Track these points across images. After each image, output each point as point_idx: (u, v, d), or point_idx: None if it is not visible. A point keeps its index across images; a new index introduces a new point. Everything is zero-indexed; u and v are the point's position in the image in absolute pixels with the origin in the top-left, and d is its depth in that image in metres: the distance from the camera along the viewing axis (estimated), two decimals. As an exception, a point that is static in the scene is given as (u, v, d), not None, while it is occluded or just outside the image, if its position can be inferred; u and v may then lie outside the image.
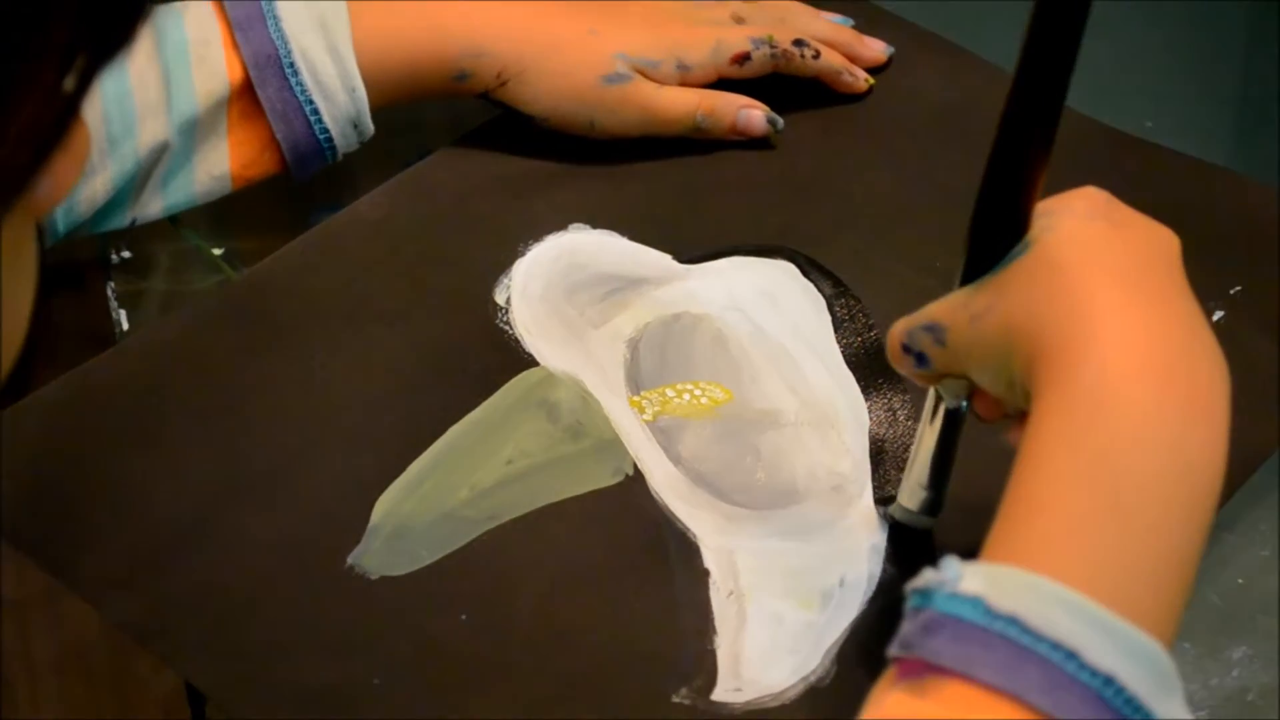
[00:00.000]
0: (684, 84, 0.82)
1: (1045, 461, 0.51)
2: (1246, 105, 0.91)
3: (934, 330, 0.58)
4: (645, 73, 0.81)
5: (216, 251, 0.81)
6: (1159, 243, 0.56)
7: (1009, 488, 0.52)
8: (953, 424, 0.62)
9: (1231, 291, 0.76)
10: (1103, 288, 0.53)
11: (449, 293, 0.76)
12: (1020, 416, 0.57)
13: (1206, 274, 0.76)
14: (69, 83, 0.40)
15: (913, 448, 0.65)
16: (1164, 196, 0.79)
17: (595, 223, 0.79)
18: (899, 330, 0.60)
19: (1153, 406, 0.51)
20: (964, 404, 0.62)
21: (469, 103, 0.82)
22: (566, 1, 0.82)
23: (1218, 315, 0.75)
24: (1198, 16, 0.94)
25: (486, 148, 0.82)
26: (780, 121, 0.83)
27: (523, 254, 0.78)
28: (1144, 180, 0.81)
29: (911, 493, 0.65)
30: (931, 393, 0.62)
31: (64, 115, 0.41)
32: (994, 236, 0.57)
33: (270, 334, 0.75)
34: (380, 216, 0.80)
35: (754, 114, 0.82)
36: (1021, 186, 0.57)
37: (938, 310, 0.58)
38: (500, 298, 0.76)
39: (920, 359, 0.59)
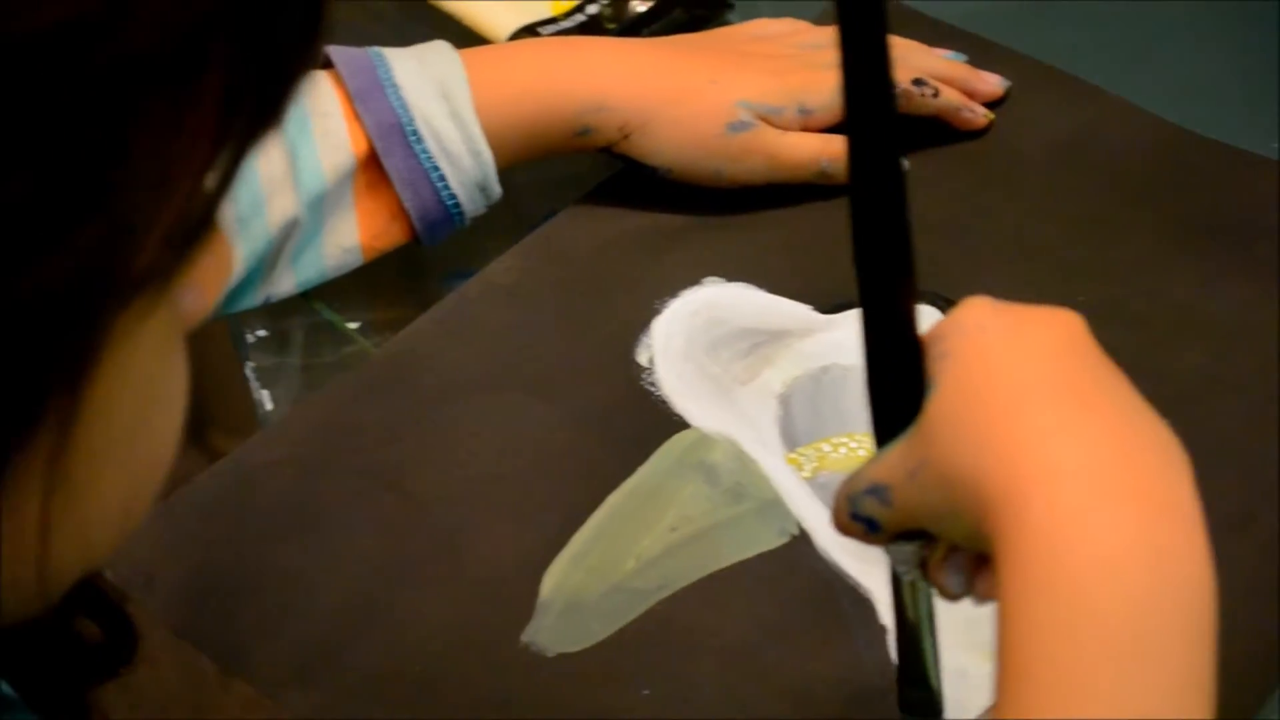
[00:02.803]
0: (806, 129, 0.80)
1: (1022, 617, 0.47)
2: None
3: (878, 492, 0.53)
4: (768, 119, 0.80)
5: (351, 325, 0.80)
6: (1061, 330, 0.52)
7: (999, 653, 0.48)
8: (912, 599, 0.56)
9: None
10: (1024, 413, 0.49)
11: (590, 355, 0.75)
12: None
13: None
14: (212, 178, 0.38)
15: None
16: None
17: (730, 275, 0.78)
18: (841, 498, 0.54)
19: (1116, 528, 0.47)
20: (919, 573, 0.55)
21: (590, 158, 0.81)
22: (685, 52, 0.81)
23: None
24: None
25: (612, 204, 0.81)
26: (906, 163, 0.81)
27: (659, 311, 0.77)
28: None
29: (901, 694, 0.58)
30: (889, 572, 0.56)
31: (207, 214, 0.38)
32: (891, 384, 0.53)
33: (415, 409, 0.74)
34: (512, 281, 0.79)
35: (880, 157, 0.81)
36: (900, 324, 0.52)
37: (876, 471, 0.53)
38: (642, 358, 0.75)
39: (871, 525, 0.54)
